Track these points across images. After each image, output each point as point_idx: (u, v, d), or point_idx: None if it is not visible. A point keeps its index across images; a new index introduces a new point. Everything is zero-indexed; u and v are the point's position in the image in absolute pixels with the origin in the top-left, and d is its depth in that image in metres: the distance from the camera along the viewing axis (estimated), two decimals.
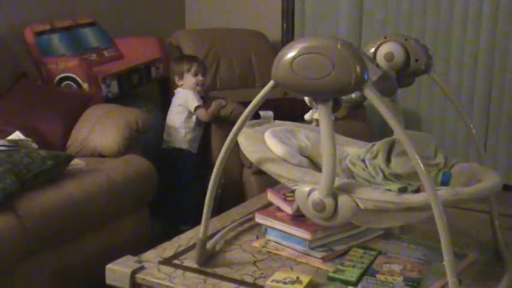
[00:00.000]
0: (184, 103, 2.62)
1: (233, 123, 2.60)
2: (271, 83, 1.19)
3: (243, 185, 2.68)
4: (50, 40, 2.74)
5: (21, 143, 2.02)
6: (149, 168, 2.19)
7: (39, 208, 1.74)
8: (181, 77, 2.67)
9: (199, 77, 2.65)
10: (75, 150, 2.29)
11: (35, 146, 2.06)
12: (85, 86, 2.60)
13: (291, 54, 1.12)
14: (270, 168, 1.36)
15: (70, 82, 2.62)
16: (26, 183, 1.75)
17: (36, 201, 1.75)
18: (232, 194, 2.60)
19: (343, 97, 1.22)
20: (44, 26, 2.74)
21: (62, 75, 2.63)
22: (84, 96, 2.54)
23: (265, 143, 1.44)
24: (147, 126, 2.36)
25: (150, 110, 2.70)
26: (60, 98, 2.46)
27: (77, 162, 2.06)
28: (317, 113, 1.56)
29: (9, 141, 2.00)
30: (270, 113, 2.72)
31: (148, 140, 2.58)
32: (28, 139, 2.09)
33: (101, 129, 2.30)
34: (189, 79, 2.65)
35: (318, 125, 1.59)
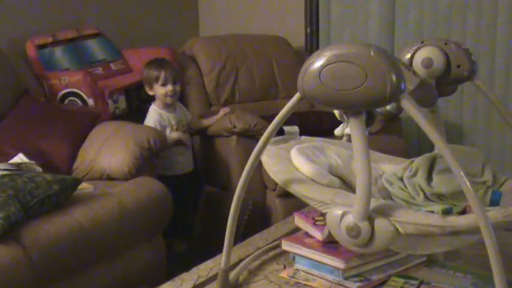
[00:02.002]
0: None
1: (253, 138, 2.67)
2: (297, 95, 1.20)
3: (266, 208, 2.70)
4: (52, 53, 2.81)
5: (24, 166, 2.07)
6: (163, 192, 2.22)
7: (45, 237, 1.78)
8: (151, 87, 2.66)
9: (169, 86, 2.62)
10: (82, 173, 2.33)
11: (39, 169, 2.10)
12: (90, 102, 2.65)
13: (318, 64, 1.12)
14: (297, 190, 1.36)
15: (74, 98, 2.68)
16: (31, 210, 1.78)
17: (42, 230, 1.79)
18: (255, 219, 2.61)
19: (377, 109, 1.22)
20: (46, 39, 2.81)
21: (66, 90, 2.69)
22: (89, 113, 2.59)
23: (291, 161, 1.45)
24: (160, 144, 2.40)
25: None
26: (64, 116, 2.51)
27: (84, 187, 2.10)
28: (348, 128, 1.57)
29: (12, 164, 2.04)
30: (296, 128, 2.77)
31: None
32: (32, 162, 2.13)
33: (110, 150, 2.34)
34: (158, 90, 2.63)
35: (349, 140, 1.59)
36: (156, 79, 2.63)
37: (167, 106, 2.68)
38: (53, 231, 1.80)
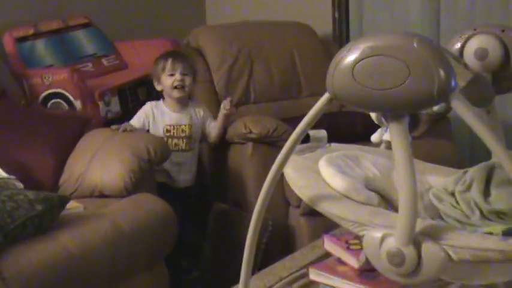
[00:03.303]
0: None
1: (272, 145, 2.67)
2: (326, 96, 1.19)
3: (289, 229, 2.70)
4: (33, 47, 2.84)
5: (2, 182, 2.09)
6: (166, 212, 2.23)
7: (27, 267, 1.79)
8: (158, 80, 2.75)
9: (177, 75, 2.70)
10: (70, 189, 2.35)
11: (19, 185, 2.12)
12: (78, 104, 2.68)
13: (351, 58, 1.12)
14: (327, 208, 1.36)
15: (59, 100, 2.70)
16: (10, 234, 1.80)
17: (24, 257, 1.80)
18: (276, 242, 2.61)
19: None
20: (26, 30, 2.84)
21: (49, 91, 2.72)
22: (77, 118, 2.62)
23: (319, 174, 1.45)
24: (162, 154, 2.42)
25: None
26: (48, 122, 2.54)
27: (73, 206, 2.11)
28: (388, 133, 1.56)
29: None
30: (323, 133, 2.77)
31: None
32: (11, 177, 2.15)
33: (102, 161, 2.36)
34: (165, 81, 2.73)
35: (389, 148, 1.59)
36: (163, 68, 2.71)
37: (175, 105, 2.73)
38: (36, 260, 1.82)
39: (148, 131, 2.71)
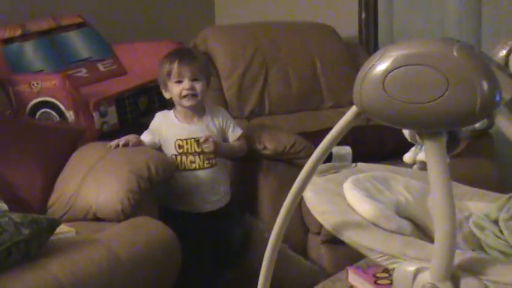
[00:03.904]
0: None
1: (290, 163, 2.66)
2: (353, 110, 1.19)
3: (308, 260, 2.69)
4: (21, 50, 2.86)
5: None
6: (168, 237, 2.23)
7: None
8: (166, 87, 2.62)
9: (186, 82, 2.55)
10: (61, 211, 2.35)
11: (4, 206, 2.12)
12: (70, 115, 2.68)
13: (382, 68, 1.12)
14: (353, 237, 1.35)
15: (48, 110, 2.71)
16: None
17: None
18: (293, 273, 2.61)
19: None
20: (13, 31, 2.86)
21: (38, 99, 2.73)
22: (69, 130, 2.63)
23: (344, 198, 1.45)
24: (164, 172, 2.41)
25: None
26: (36, 135, 2.55)
27: (64, 230, 2.11)
28: (423, 153, 1.56)
29: None
30: (348, 150, 2.75)
31: None
32: None
33: (96, 180, 2.36)
34: (172, 89, 2.59)
35: (424, 169, 1.58)
36: (168, 73, 2.58)
37: (188, 115, 2.63)
38: None
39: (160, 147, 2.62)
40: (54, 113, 2.71)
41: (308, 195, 1.46)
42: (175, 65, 2.56)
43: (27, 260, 1.90)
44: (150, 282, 2.17)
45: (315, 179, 1.49)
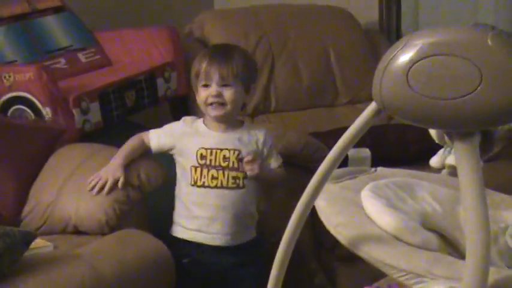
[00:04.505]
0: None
1: (300, 167, 2.66)
2: (372, 106, 1.19)
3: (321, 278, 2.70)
4: None
5: None
6: (161, 252, 2.23)
7: None
8: (196, 91, 2.45)
9: (213, 86, 2.36)
10: (37, 222, 2.35)
11: None
12: (47, 112, 2.67)
13: (405, 58, 1.12)
14: (371, 253, 1.36)
15: (22, 107, 2.71)
16: None
17: None
18: None
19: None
20: None
21: (10, 95, 2.73)
22: (46, 130, 2.63)
23: (361, 208, 1.45)
24: (155, 180, 2.42)
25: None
26: (8, 136, 2.54)
27: (40, 245, 2.11)
28: (452, 156, 1.55)
29: None
30: (366, 153, 2.74)
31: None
32: None
33: (77, 187, 2.35)
34: (200, 94, 2.42)
35: (453, 174, 1.58)
36: (197, 74, 2.41)
37: (217, 125, 2.44)
38: None
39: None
40: (28, 110, 2.71)
41: (321, 204, 1.47)
42: (204, 64, 2.39)
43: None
44: None
45: (328, 186, 1.49)
